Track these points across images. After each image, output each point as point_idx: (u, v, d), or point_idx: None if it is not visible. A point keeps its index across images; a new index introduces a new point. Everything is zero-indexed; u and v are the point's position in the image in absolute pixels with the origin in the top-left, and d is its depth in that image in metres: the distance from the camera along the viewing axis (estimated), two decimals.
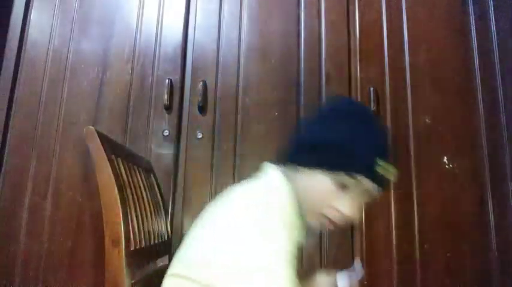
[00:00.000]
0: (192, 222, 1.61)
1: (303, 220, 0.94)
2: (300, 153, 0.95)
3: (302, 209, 0.93)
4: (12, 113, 1.73)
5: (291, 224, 0.90)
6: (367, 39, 1.78)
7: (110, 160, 1.01)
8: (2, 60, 1.76)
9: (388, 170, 0.90)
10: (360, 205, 0.93)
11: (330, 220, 0.91)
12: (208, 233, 0.89)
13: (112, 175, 0.99)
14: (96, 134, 1.01)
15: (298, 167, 0.93)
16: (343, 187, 0.88)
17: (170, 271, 0.90)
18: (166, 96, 1.69)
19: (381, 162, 0.88)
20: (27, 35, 1.81)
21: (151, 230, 1.24)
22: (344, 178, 0.87)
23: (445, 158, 1.67)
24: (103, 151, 1.00)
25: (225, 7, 1.84)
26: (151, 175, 1.50)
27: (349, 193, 0.89)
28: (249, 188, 0.98)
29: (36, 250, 1.61)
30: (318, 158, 0.90)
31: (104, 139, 1.04)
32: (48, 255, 1.61)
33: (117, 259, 0.93)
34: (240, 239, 0.82)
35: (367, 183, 0.88)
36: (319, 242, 1.59)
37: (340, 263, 1.59)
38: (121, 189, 1.01)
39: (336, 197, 0.89)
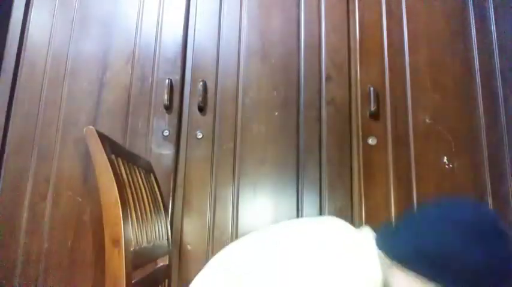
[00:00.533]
0: (192, 222, 1.63)
1: None
2: (423, 261, 0.78)
3: None
4: (12, 113, 1.73)
5: None
6: (367, 39, 1.78)
7: (110, 160, 1.01)
8: (2, 60, 1.76)
9: None
10: None
11: None
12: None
13: (112, 175, 0.99)
14: (96, 134, 1.01)
15: (400, 264, 0.80)
16: None
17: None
18: (166, 96, 1.69)
19: None
20: (27, 35, 1.81)
21: (151, 230, 1.24)
22: None
23: (445, 158, 1.67)
24: (103, 151, 1.00)
25: (225, 7, 1.84)
26: (151, 175, 1.50)
27: None
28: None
29: (36, 250, 1.61)
30: (441, 271, 0.76)
31: (104, 139, 1.04)
32: (48, 255, 1.61)
33: (117, 259, 0.93)
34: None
35: None
36: None
37: None
38: (121, 189, 1.00)
39: None
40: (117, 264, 0.93)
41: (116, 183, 0.98)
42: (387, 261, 0.82)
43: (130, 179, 1.15)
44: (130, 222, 1.02)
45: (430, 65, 1.75)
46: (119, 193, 0.97)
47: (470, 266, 0.73)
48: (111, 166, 1.00)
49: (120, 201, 0.97)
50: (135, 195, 1.15)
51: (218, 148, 1.70)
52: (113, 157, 1.06)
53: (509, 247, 0.75)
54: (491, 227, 0.78)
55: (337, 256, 0.79)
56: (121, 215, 0.95)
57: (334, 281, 0.75)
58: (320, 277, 0.76)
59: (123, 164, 1.14)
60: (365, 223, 1.61)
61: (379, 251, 0.84)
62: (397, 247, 0.82)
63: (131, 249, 1.00)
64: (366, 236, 0.88)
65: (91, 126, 1.02)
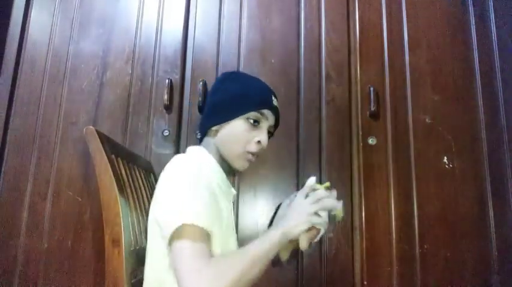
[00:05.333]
0: None
1: (225, 165, 1.17)
2: (212, 116, 1.18)
3: (225, 157, 1.16)
4: (12, 113, 1.73)
5: (202, 175, 1.04)
6: (367, 39, 1.78)
7: (110, 160, 1.02)
8: (2, 60, 1.76)
9: (277, 104, 1.20)
10: (267, 135, 1.17)
11: (252, 153, 1.14)
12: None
13: (112, 175, 0.99)
14: (96, 134, 1.02)
15: (214, 128, 1.16)
16: (254, 124, 1.13)
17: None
18: (166, 96, 1.69)
19: (273, 98, 1.19)
20: (27, 35, 1.81)
21: None
22: (255, 114, 1.13)
23: (445, 158, 1.67)
24: (103, 151, 1.00)
25: (225, 7, 1.84)
26: (151, 175, 1.50)
27: (259, 127, 1.15)
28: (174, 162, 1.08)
29: (36, 250, 1.61)
30: (231, 110, 1.15)
31: (104, 139, 1.04)
32: (48, 255, 1.61)
33: (117, 258, 0.93)
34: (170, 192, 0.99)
35: (269, 115, 1.16)
36: (319, 242, 1.59)
37: (341, 263, 1.60)
38: (121, 189, 1.01)
39: (252, 134, 1.14)
40: (116, 264, 0.93)
41: (116, 183, 0.99)
42: (209, 138, 1.19)
43: (130, 179, 1.15)
44: (130, 222, 1.02)
45: (430, 65, 1.76)
46: (118, 192, 0.97)
47: (223, 103, 1.16)
48: (111, 165, 1.00)
49: (120, 201, 0.97)
50: (135, 195, 1.15)
51: None
52: (113, 156, 1.06)
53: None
54: (223, 79, 1.25)
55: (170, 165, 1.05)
56: (121, 215, 0.95)
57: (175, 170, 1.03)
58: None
59: (123, 164, 1.14)
60: (365, 223, 1.61)
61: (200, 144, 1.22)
62: (202, 126, 1.22)
63: (131, 249, 1.00)
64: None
65: (91, 126, 1.02)
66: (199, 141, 1.23)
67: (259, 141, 1.14)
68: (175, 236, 0.90)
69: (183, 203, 0.94)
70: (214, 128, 1.17)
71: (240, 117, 1.13)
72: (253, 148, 1.14)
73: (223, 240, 1.05)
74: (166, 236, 0.91)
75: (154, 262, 1.01)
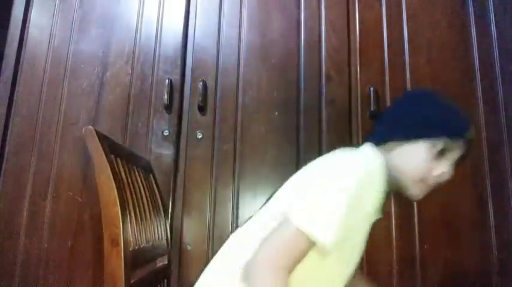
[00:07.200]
0: (192, 222, 1.63)
1: (392, 187, 1.06)
2: (397, 129, 1.06)
3: (398, 181, 1.05)
4: (12, 113, 1.73)
5: (373, 189, 0.98)
6: (367, 39, 1.78)
7: (109, 160, 1.02)
8: (2, 60, 1.76)
9: (475, 137, 1.06)
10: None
11: (428, 185, 1.03)
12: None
13: (111, 175, 0.99)
14: (95, 134, 1.02)
15: (393, 143, 1.05)
16: (439, 154, 1.00)
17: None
18: (166, 96, 1.69)
19: (471, 128, 1.03)
20: (27, 35, 1.81)
21: (150, 230, 1.24)
22: (446, 142, 0.99)
23: None
24: (102, 151, 1.00)
25: (225, 7, 1.84)
26: (151, 175, 1.50)
27: (444, 158, 1.01)
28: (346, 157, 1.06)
29: (36, 250, 1.61)
30: (421, 129, 1.02)
31: (103, 139, 1.04)
32: (48, 255, 1.61)
33: (116, 259, 0.93)
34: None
35: (461, 147, 1.02)
36: None
37: None
38: (120, 189, 1.01)
39: (434, 164, 1.01)
40: (116, 264, 0.93)
41: (115, 183, 0.99)
42: (382, 150, 1.06)
43: (129, 179, 1.15)
44: (129, 222, 1.02)
45: (430, 65, 1.75)
46: (117, 192, 0.97)
47: (417, 119, 1.04)
48: (110, 166, 1.00)
49: (119, 201, 0.97)
50: (134, 195, 1.15)
51: (218, 148, 1.70)
52: (112, 157, 1.06)
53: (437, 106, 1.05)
54: (427, 94, 1.12)
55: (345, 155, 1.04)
56: (120, 215, 0.95)
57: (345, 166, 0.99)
58: (334, 166, 1.02)
59: (122, 164, 1.14)
60: None
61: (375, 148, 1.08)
62: (378, 134, 1.11)
63: (130, 249, 1.00)
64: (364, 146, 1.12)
65: (90, 126, 1.02)
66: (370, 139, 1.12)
67: (442, 174, 1.02)
68: (293, 225, 0.90)
69: (323, 210, 0.91)
70: (392, 143, 1.06)
71: (428, 142, 1.00)
72: (432, 181, 1.03)
73: (341, 259, 1.02)
74: (287, 216, 0.92)
75: (272, 208, 1.03)
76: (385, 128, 1.11)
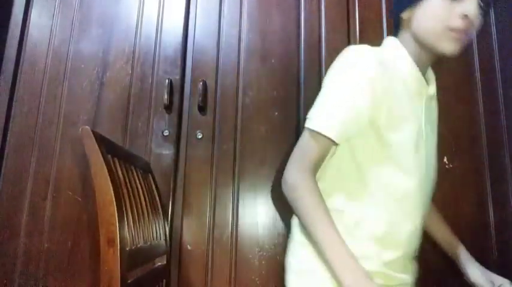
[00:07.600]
0: (192, 222, 1.63)
1: (428, 57, 1.10)
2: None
3: (427, 43, 1.06)
4: (12, 112, 1.74)
5: (369, 76, 1.02)
6: (367, 39, 1.78)
7: (105, 160, 1.02)
8: (2, 60, 1.77)
9: None
10: (476, 7, 0.99)
11: (457, 30, 0.99)
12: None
13: (107, 175, 0.99)
14: (91, 135, 1.02)
15: (405, 16, 1.08)
16: None
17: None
18: (166, 96, 1.69)
19: None
20: (27, 35, 1.81)
21: (148, 230, 1.24)
22: None
23: (445, 158, 1.66)
24: (99, 152, 1.01)
25: (225, 7, 1.84)
26: (149, 175, 1.50)
27: (461, 3, 0.98)
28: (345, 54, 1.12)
29: (36, 250, 1.62)
30: None
31: (100, 139, 1.04)
32: (48, 255, 1.61)
33: (112, 258, 0.93)
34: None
35: None
36: None
37: None
38: (117, 189, 1.01)
39: (454, 7, 0.98)
40: (112, 264, 0.93)
41: (112, 183, 0.99)
42: (403, 33, 1.12)
43: (126, 179, 1.15)
44: (126, 222, 1.02)
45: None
46: (114, 192, 0.97)
47: None
48: (106, 166, 1.00)
49: (116, 201, 0.97)
50: (131, 195, 1.15)
51: (218, 148, 1.69)
52: (109, 157, 1.06)
53: None
54: None
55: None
56: (116, 215, 0.95)
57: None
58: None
59: (119, 164, 1.14)
60: None
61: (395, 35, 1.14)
62: (395, 22, 1.16)
63: (127, 249, 1.00)
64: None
65: (87, 127, 1.02)
66: (394, 34, 1.15)
67: (465, 15, 0.97)
68: (305, 131, 1.07)
69: (325, 108, 1.05)
70: (405, 15, 1.08)
71: None
72: (457, 23, 0.98)
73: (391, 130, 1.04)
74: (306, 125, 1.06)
75: None
76: (394, 11, 1.13)
